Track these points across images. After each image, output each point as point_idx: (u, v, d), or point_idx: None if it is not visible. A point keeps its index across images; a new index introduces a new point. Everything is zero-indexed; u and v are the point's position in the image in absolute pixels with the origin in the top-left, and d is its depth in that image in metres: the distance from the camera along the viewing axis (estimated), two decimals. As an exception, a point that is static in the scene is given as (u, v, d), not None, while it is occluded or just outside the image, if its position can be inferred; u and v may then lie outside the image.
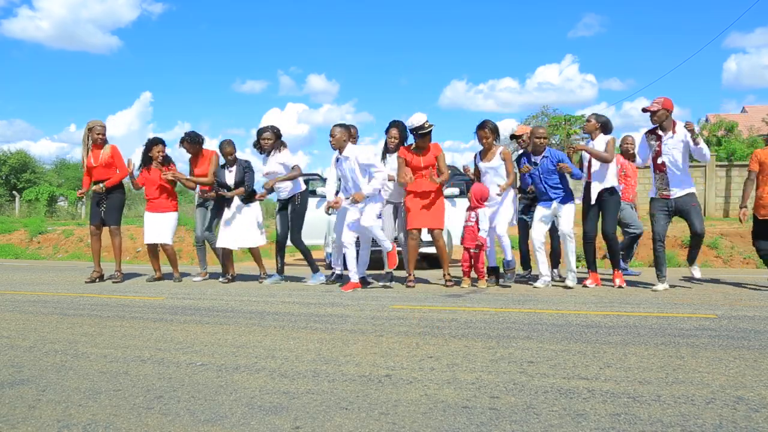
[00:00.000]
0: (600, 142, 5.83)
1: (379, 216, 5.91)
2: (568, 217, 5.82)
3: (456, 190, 8.23)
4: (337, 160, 5.93)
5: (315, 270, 6.57)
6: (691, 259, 5.93)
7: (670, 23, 73.59)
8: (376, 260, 6.40)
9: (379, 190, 5.80)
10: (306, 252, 6.52)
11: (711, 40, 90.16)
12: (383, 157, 6.18)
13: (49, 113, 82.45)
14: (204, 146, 6.80)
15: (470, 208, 5.94)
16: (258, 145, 6.41)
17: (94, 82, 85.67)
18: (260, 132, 6.36)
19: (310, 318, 4.25)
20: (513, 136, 6.83)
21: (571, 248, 5.83)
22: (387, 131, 6.21)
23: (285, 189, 6.36)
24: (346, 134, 5.85)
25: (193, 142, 6.69)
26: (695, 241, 5.75)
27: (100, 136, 6.59)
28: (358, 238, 5.95)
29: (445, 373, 2.73)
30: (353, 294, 5.54)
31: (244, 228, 6.45)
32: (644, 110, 5.51)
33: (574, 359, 2.94)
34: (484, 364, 2.88)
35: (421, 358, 3.01)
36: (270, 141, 6.30)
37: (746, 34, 70.25)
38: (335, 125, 5.87)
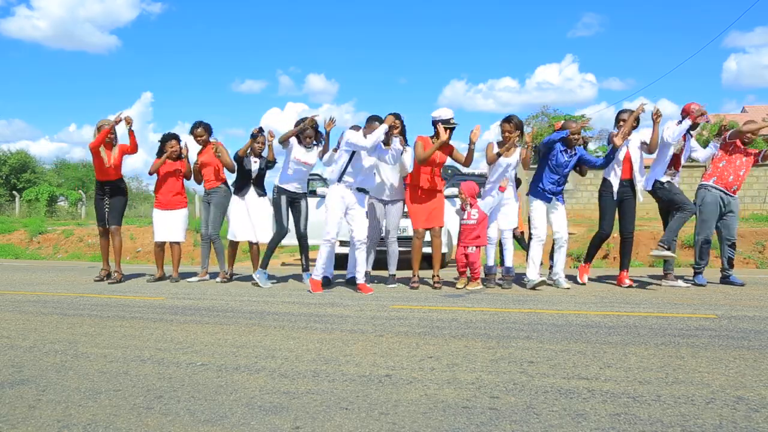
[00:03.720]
0: (638, 139, 5.73)
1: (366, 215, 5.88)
2: (564, 219, 5.82)
3: (456, 190, 8.24)
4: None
5: (305, 269, 6.59)
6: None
7: (669, 23, 73.70)
8: (380, 260, 6.39)
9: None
10: (304, 246, 6.52)
11: (711, 40, 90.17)
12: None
13: (48, 113, 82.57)
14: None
15: (463, 206, 5.88)
16: (304, 138, 6.12)
17: (93, 82, 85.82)
18: (302, 130, 6.09)
19: (310, 318, 4.25)
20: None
21: (563, 253, 5.83)
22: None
23: (301, 184, 6.29)
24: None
25: (207, 131, 6.74)
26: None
27: (110, 136, 6.56)
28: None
29: (445, 373, 2.73)
30: (353, 294, 5.54)
31: (259, 221, 6.47)
32: (699, 120, 5.63)
33: (574, 359, 2.94)
34: (484, 364, 2.88)
35: (421, 358, 3.01)
36: (311, 137, 6.07)
37: (746, 34, 70.29)
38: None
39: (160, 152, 6.71)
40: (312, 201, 6.69)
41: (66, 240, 13.47)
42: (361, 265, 5.76)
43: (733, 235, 5.98)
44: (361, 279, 5.74)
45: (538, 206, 5.79)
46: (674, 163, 5.77)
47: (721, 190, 5.84)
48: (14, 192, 25.04)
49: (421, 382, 2.59)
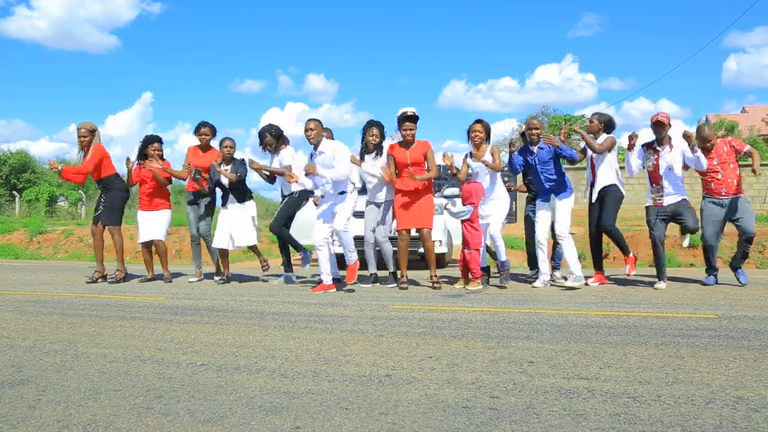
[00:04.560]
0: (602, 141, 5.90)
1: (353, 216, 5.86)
2: (564, 215, 5.76)
3: (456, 190, 8.22)
4: (311, 155, 5.79)
5: (288, 269, 6.57)
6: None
7: (669, 23, 73.60)
8: (380, 261, 6.38)
9: (339, 184, 5.68)
10: (283, 244, 6.50)
11: (711, 40, 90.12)
12: (361, 158, 6.11)
13: (47, 113, 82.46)
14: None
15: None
16: (263, 146, 6.36)
17: (93, 82, 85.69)
18: (261, 137, 6.30)
19: (310, 318, 4.25)
20: (522, 134, 6.70)
21: (568, 248, 5.78)
22: (366, 130, 6.13)
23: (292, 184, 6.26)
24: (321, 128, 5.74)
25: (213, 132, 6.76)
26: (694, 237, 5.85)
27: (81, 139, 6.58)
28: (331, 236, 5.88)
29: (445, 373, 2.73)
30: (353, 294, 5.54)
31: (239, 227, 6.44)
32: (657, 122, 5.63)
33: (574, 359, 2.94)
34: (484, 364, 2.88)
35: (421, 358, 3.01)
36: (272, 144, 6.24)
37: (746, 34, 70.25)
38: (310, 119, 5.72)
39: (141, 154, 6.70)
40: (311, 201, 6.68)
41: (66, 240, 13.46)
42: (349, 253, 5.69)
43: (749, 230, 5.83)
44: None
45: (538, 209, 5.92)
46: (654, 179, 5.79)
47: (713, 199, 5.88)
48: (14, 192, 25.03)
49: (421, 382, 2.59)
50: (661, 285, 5.68)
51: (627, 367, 2.78)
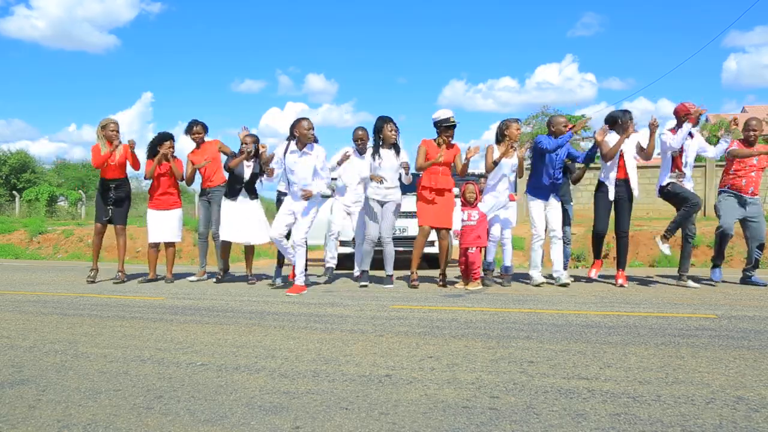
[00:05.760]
0: (634, 141, 5.84)
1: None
2: (559, 215, 5.88)
3: (456, 190, 8.23)
4: (291, 151, 5.66)
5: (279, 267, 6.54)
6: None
7: (669, 23, 73.71)
8: (377, 260, 6.38)
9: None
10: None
11: (711, 39, 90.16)
12: (376, 152, 6.06)
13: (47, 113, 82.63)
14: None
15: (464, 207, 5.92)
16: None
17: (93, 82, 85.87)
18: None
19: (310, 318, 4.25)
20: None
21: (560, 248, 5.89)
22: (382, 126, 6.06)
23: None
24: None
25: (205, 129, 6.75)
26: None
27: (114, 133, 6.52)
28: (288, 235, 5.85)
29: (445, 373, 2.73)
30: (353, 294, 5.54)
31: (251, 223, 6.41)
32: (699, 112, 5.65)
33: (574, 359, 2.94)
34: (484, 364, 2.88)
35: (421, 358, 3.01)
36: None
37: (746, 34, 70.43)
38: (306, 118, 5.66)
39: (152, 153, 6.66)
40: None
41: (66, 240, 13.47)
42: (297, 262, 5.69)
43: (761, 236, 5.86)
44: (299, 280, 5.70)
45: (536, 205, 5.92)
46: (675, 164, 5.77)
47: (737, 195, 5.86)
48: (14, 192, 25.03)
49: (421, 382, 2.59)
50: (694, 284, 5.74)
51: (627, 367, 2.78)
